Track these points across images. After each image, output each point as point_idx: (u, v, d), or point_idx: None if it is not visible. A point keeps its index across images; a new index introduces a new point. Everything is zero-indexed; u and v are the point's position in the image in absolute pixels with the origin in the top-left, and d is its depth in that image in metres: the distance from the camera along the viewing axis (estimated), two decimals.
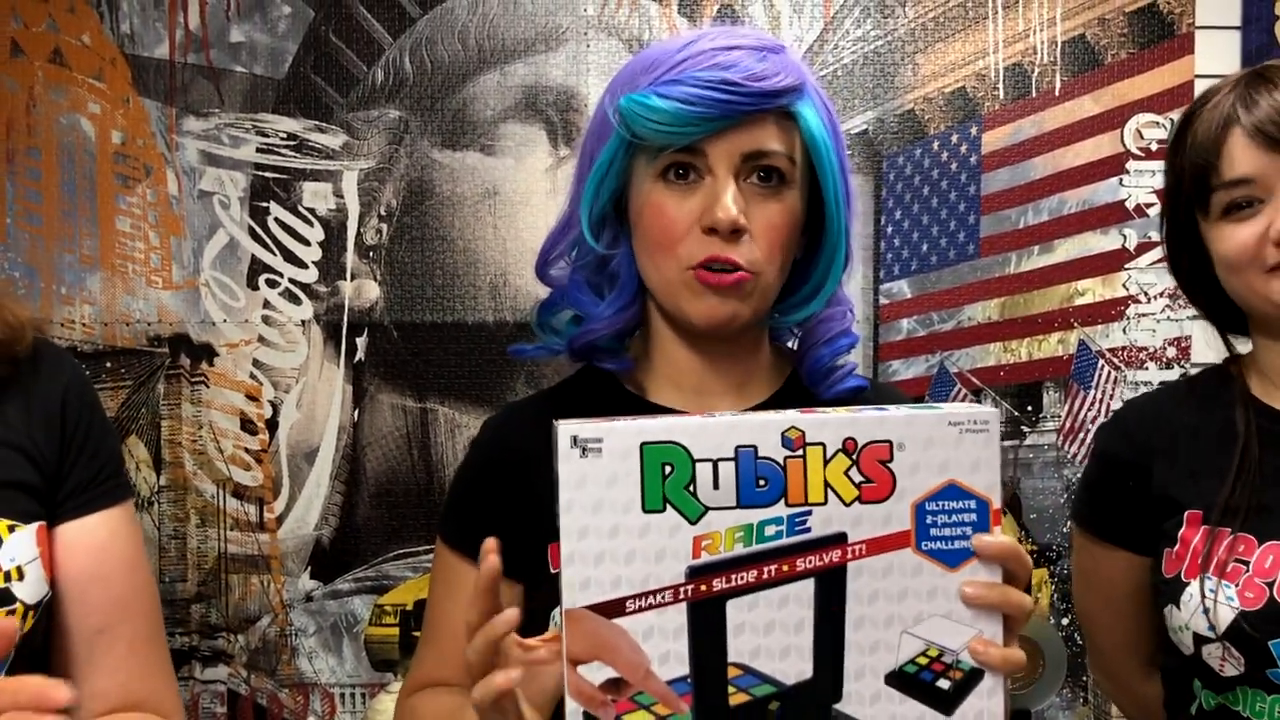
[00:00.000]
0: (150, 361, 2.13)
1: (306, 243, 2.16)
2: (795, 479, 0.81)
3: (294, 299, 2.16)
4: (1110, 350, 2.24)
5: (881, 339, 2.24)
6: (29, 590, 0.92)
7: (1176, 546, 1.17)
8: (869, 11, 2.21)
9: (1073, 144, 2.23)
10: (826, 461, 0.81)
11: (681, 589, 0.81)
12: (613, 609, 0.81)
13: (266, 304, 2.15)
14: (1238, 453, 1.15)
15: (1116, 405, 2.23)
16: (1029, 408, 2.25)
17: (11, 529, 0.93)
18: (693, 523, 0.81)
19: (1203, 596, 1.11)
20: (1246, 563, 1.11)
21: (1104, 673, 1.39)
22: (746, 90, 0.96)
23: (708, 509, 0.81)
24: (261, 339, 2.15)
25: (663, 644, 0.81)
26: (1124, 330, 2.24)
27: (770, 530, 0.81)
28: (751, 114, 0.97)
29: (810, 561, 0.82)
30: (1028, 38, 2.22)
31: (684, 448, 0.81)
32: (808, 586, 0.82)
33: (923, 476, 0.81)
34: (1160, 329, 2.24)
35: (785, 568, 0.82)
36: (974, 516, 0.81)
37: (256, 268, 2.16)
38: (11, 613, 0.91)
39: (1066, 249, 2.25)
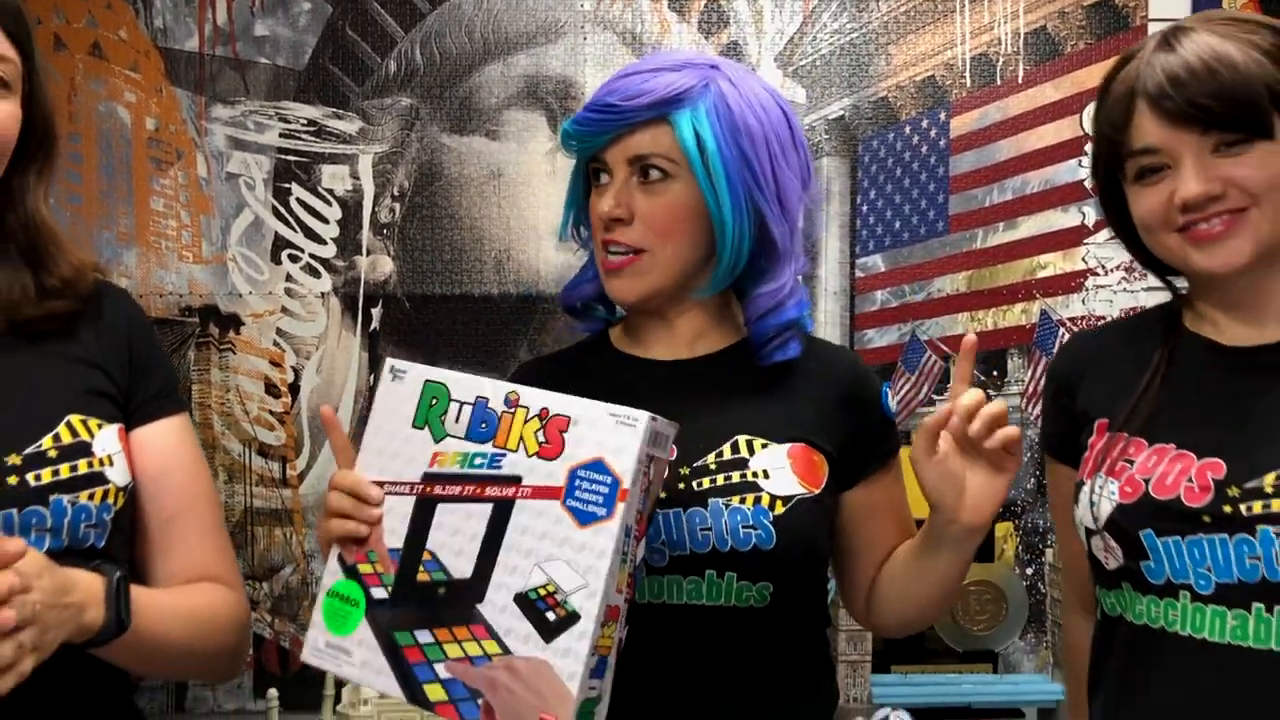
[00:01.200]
0: (182, 330, 2.30)
1: (325, 221, 2.32)
2: (504, 428, 1.04)
3: (314, 273, 2.32)
4: (1070, 319, 2.38)
5: (857, 309, 2.40)
6: (118, 475, 1.10)
7: (1086, 453, 1.22)
8: (845, 6, 2.37)
9: (1035, 128, 2.37)
10: (526, 421, 1.03)
11: (415, 487, 1.06)
12: (377, 487, 1.07)
13: (289, 277, 2.31)
14: (1150, 370, 1.20)
15: None
16: (994, 373, 2.40)
17: (100, 427, 1.09)
18: (436, 442, 1.06)
19: (1092, 493, 1.17)
20: (1133, 461, 1.16)
21: (1064, 594, 1.43)
22: (619, 109, 1.16)
23: (448, 435, 1.06)
24: (284, 309, 2.31)
25: (393, 522, 1.06)
26: (1083, 301, 2.39)
27: (478, 460, 1.04)
28: (630, 125, 1.16)
29: (494, 491, 1.03)
30: (993, 29, 2.37)
31: (447, 389, 1.07)
32: (488, 508, 1.03)
33: (582, 449, 1.00)
34: (1117, 299, 2.38)
35: (478, 490, 1.04)
36: (608, 490, 0.99)
37: (279, 244, 2.31)
38: (106, 491, 1.08)
39: (1029, 226, 2.39)
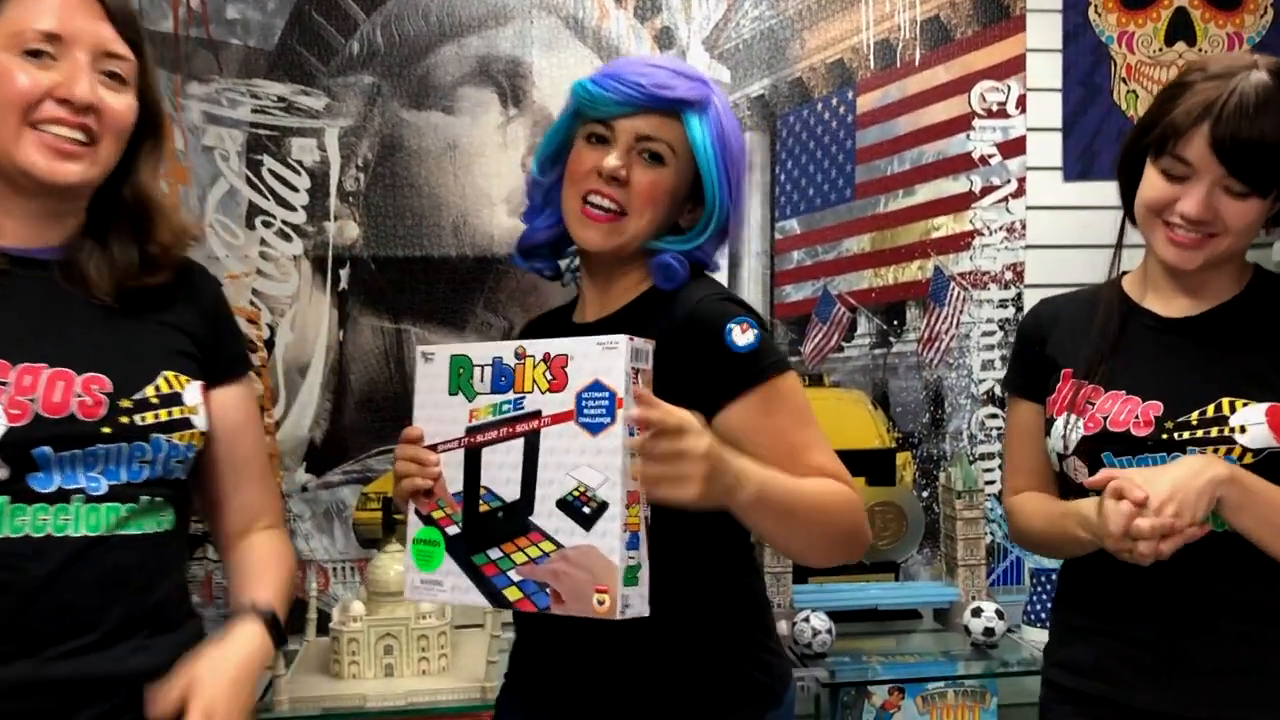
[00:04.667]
0: None
1: (295, 189, 2.47)
2: (519, 377, 1.26)
3: (286, 237, 2.48)
4: (960, 274, 2.66)
5: (777, 268, 2.63)
6: (201, 422, 1.31)
7: (1053, 395, 1.55)
8: None
9: (929, 106, 2.62)
10: (534, 366, 1.26)
11: (461, 440, 1.30)
12: (433, 449, 1.31)
13: (262, 242, 2.46)
14: (1109, 333, 1.51)
15: (965, 319, 2.68)
16: (895, 322, 2.67)
17: (187, 382, 1.31)
18: (470, 401, 1.29)
19: (1064, 426, 1.49)
20: (1094, 404, 1.48)
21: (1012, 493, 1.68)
22: (648, 92, 1.34)
23: (477, 394, 1.29)
24: (259, 271, 2.47)
25: (451, 472, 1.30)
26: (971, 258, 2.66)
27: (506, 408, 1.27)
28: (648, 108, 1.34)
29: (523, 427, 1.25)
30: (893, 17, 2.61)
31: (469, 358, 1.30)
32: (521, 442, 1.25)
33: (582, 377, 1.22)
34: (1000, 256, 2.66)
35: (510, 430, 1.26)
36: (607, 402, 1.20)
37: (253, 211, 2.46)
38: (193, 435, 1.30)
39: (925, 192, 2.64)
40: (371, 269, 2.51)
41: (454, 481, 1.30)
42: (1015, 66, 2.64)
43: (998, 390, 2.70)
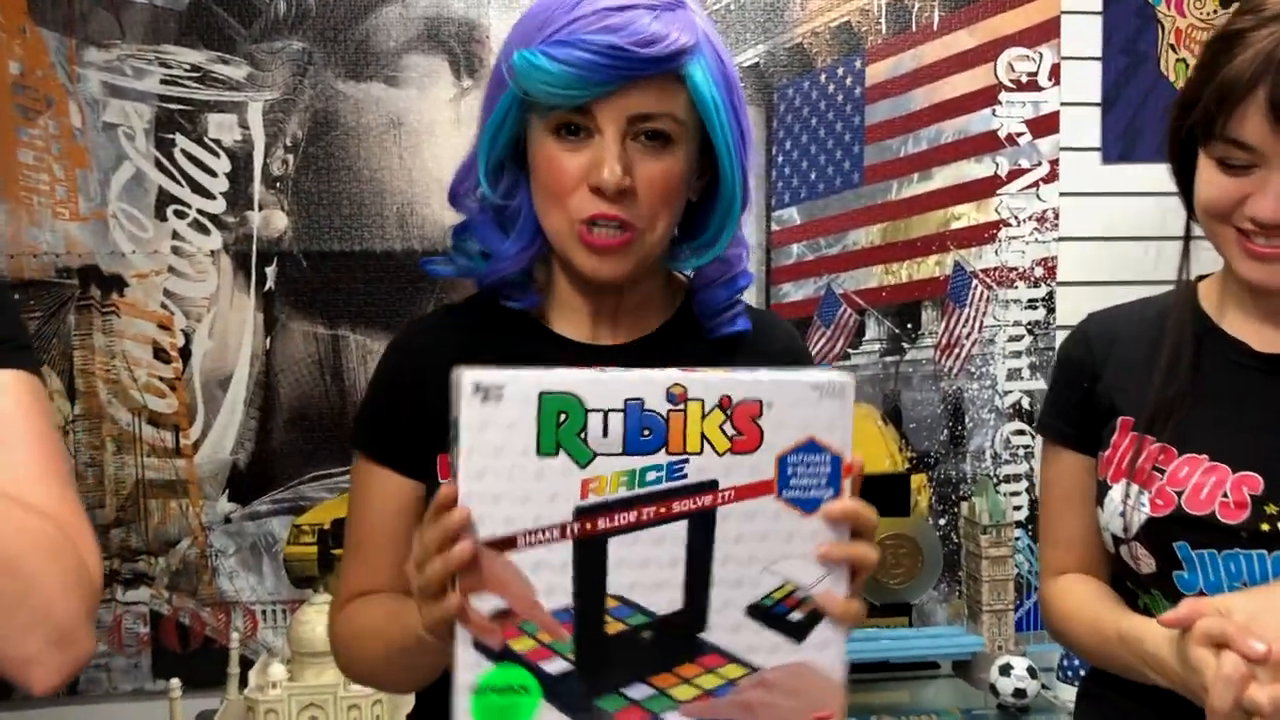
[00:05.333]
0: (60, 293, 2.15)
1: (213, 174, 2.19)
2: (675, 430, 0.88)
3: (203, 229, 2.19)
4: (983, 271, 2.40)
5: (773, 263, 2.36)
6: None
7: (1108, 450, 1.20)
8: None
9: (949, 76, 2.35)
10: (704, 415, 0.88)
11: (569, 527, 0.87)
12: (505, 544, 0.87)
13: (175, 235, 2.18)
14: (1178, 370, 1.16)
15: (989, 322, 2.40)
16: (908, 325, 2.40)
17: None
18: (582, 467, 0.87)
19: (1123, 500, 1.16)
20: (1164, 471, 1.14)
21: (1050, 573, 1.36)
22: (633, 56, 0.98)
23: (596, 455, 0.87)
24: (171, 269, 2.18)
25: (549, 577, 0.87)
26: (996, 252, 2.40)
27: (651, 475, 0.88)
28: (637, 77, 0.99)
29: (685, 504, 0.89)
30: None
31: (578, 398, 0.87)
32: (682, 527, 0.89)
33: (787, 432, 0.89)
34: (1029, 250, 2.40)
35: (662, 509, 0.88)
36: (828, 469, 0.89)
37: (164, 199, 2.17)
38: None
39: (944, 176, 2.38)
40: (302, 266, 2.24)
41: (554, 592, 0.89)
42: (1048, 31, 2.38)
43: (1025, 403, 2.42)
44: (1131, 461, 1.16)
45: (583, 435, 0.87)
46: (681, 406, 0.88)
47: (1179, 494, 1.13)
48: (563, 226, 1.05)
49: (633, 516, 0.88)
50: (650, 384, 0.88)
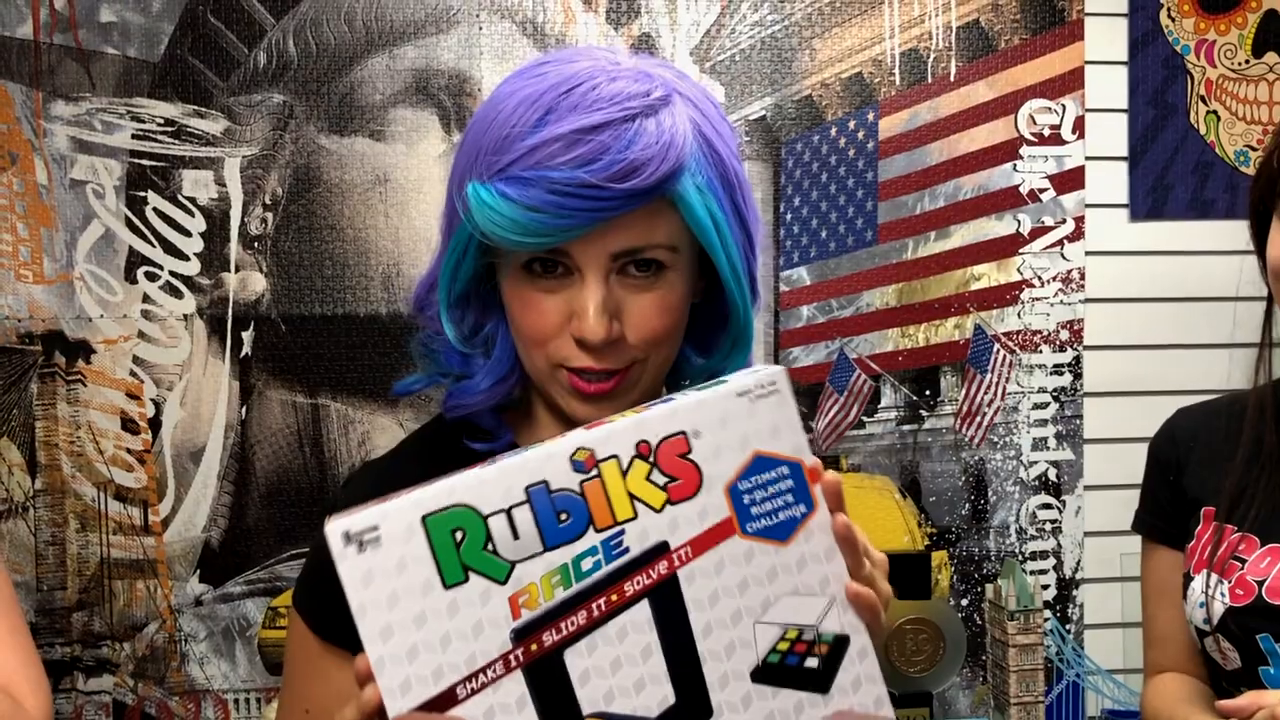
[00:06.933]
0: (22, 360, 2.02)
1: (187, 233, 2.07)
2: (597, 501, 0.75)
3: (175, 292, 2.07)
4: (1005, 334, 2.27)
5: (782, 326, 2.23)
6: None
7: (1192, 542, 1.20)
8: None
9: (968, 129, 2.24)
10: (625, 473, 0.75)
11: (511, 656, 0.74)
12: (445, 701, 0.73)
13: (146, 298, 2.06)
14: (1259, 458, 1.17)
15: (1012, 388, 2.27)
16: (927, 392, 2.27)
17: None
18: (503, 583, 0.74)
19: (1204, 590, 1.14)
20: (1244, 560, 1.14)
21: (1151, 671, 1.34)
22: (609, 194, 0.83)
23: (514, 563, 0.74)
24: (141, 334, 2.06)
25: (504, 719, 0.74)
26: (1019, 314, 2.27)
27: (587, 564, 0.75)
28: (619, 213, 0.85)
29: (639, 582, 0.75)
30: (923, 23, 2.22)
31: (470, 507, 0.74)
32: (644, 609, 0.76)
33: (727, 458, 0.76)
34: (1054, 312, 2.27)
35: (614, 597, 0.75)
36: (791, 482, 0.76)
37: (135, 260, 2.06)
38: None
39: (962, 234, 2.26)
40: (281, 330, 2.11)
41: None
42: (1072, 82, 2.27)
43: (1051, 475, 2.28)
44: (1212, 551, 1.16)
45: (490, 548, 0.74)
46: (594, 472, 0.75)
47: (1260, 584, 1.12)
48: (545, 368, 0.91)
49: (582, 618, 0.75)
50: (549, 459, 0.75)
